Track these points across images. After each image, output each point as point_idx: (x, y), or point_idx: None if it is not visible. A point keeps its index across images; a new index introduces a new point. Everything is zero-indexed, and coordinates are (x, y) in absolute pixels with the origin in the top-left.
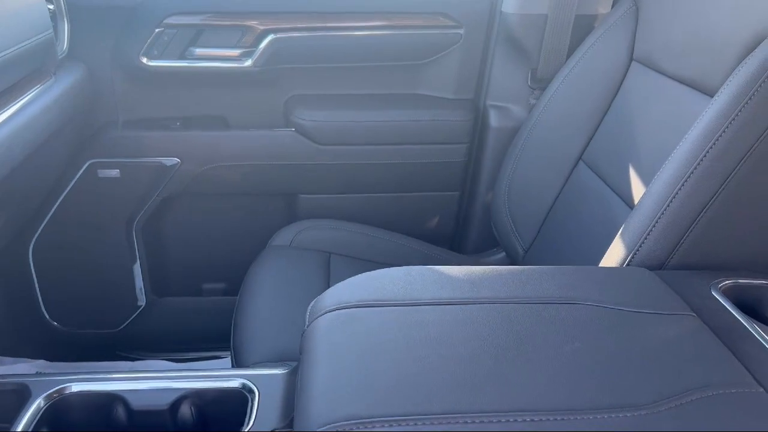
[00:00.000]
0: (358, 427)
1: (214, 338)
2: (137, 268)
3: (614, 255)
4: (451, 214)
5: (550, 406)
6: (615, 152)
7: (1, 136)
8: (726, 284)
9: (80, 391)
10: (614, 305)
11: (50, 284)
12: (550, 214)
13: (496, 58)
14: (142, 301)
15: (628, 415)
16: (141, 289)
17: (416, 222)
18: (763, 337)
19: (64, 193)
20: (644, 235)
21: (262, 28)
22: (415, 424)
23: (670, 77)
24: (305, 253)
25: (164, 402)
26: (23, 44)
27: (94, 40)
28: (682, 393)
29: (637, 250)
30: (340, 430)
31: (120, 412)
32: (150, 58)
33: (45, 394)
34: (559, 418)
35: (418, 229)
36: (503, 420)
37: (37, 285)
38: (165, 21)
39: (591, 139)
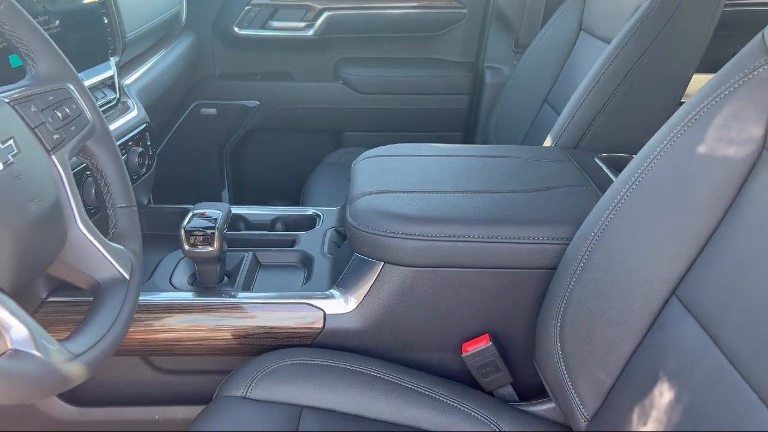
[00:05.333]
0: (380, 193)
1: None
2: (225, 183)
3: (546, 143)
4: None
5: (479, 189)
6: (566, 96)
7: (157, 71)
8: (604, 156)
9: None
10: (528, 159)
11: (162, 193)
12: (523, 144)
13: (491, 30)
14: None
15: (520, 194)
16: (227, 200)
17: None
18: (609, 172)
19: (177, 124)
20: (562, 129)
21: (320, 7)
22: (411, 193)
23: (598, 38)
24: (348, 168)
25: (267, 220)
26: (163, 15)
27: (201, 15)
28: (550, 187)
29: (558, 138)
30: (370, 193)
31: (241, 224)
32: (240, 28)
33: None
34: (480, 193)
35: None
36: (453, 193)
37: (151, 194)
38: (252, 1)
39: (552, 88)
